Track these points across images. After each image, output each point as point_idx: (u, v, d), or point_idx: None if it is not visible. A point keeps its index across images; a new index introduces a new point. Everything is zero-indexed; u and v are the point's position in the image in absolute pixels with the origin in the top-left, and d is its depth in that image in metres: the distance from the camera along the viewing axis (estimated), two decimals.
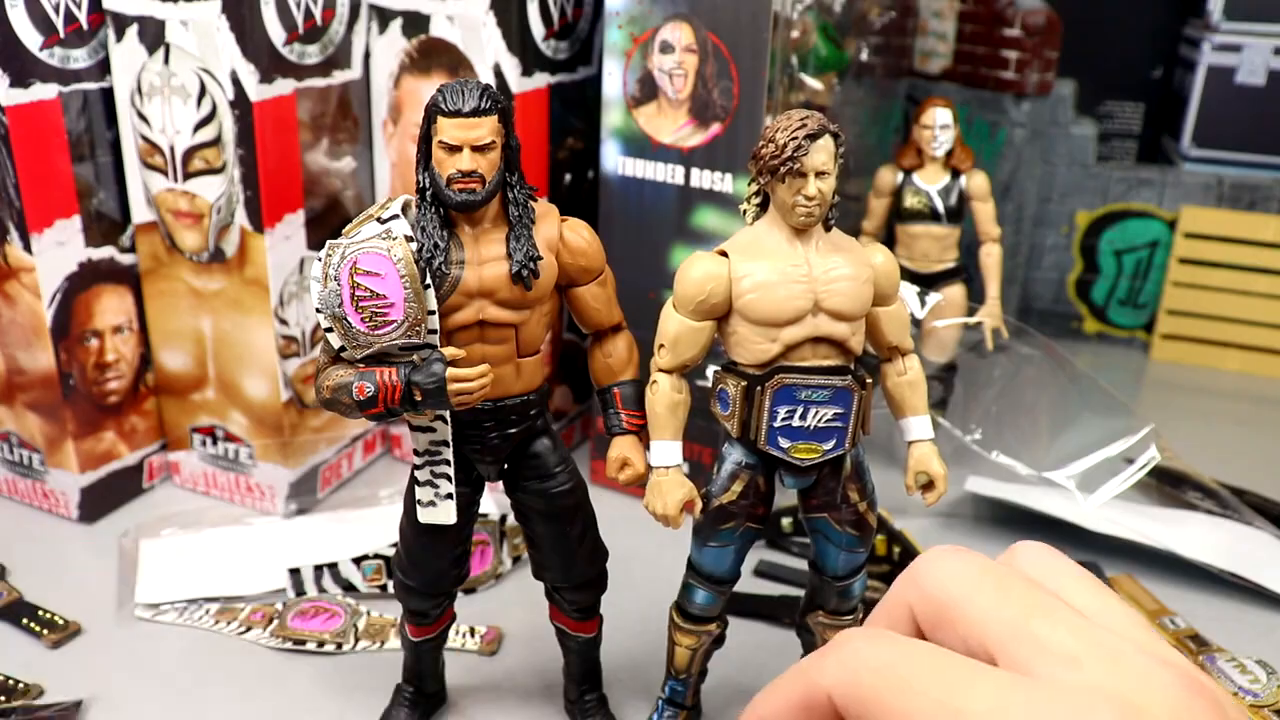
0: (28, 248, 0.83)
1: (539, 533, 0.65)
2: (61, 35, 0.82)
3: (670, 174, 0.88)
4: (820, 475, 0.62)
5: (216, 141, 0.84)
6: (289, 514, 0.95)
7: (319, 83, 0.89)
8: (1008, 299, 1.23)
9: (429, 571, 0.65)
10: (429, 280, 0.58)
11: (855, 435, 0.61)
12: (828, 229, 0.60)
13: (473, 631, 0.79)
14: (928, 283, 1.04)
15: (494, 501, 0.88)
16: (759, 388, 0.59)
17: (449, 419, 0.60)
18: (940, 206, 1.02)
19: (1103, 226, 1.37)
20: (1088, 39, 1.34)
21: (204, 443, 0.97)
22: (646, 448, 0.63)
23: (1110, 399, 1.01)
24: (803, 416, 0.59)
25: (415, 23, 0.89)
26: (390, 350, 0.57)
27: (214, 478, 0.98)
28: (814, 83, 0.90)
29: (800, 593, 0.71)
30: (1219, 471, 1.01)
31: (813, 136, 0.57)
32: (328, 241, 0.58)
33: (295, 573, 0.83)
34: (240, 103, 0.82)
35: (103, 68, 0.86)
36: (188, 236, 0.88)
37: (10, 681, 0.72)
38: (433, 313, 0.58)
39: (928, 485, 0.64)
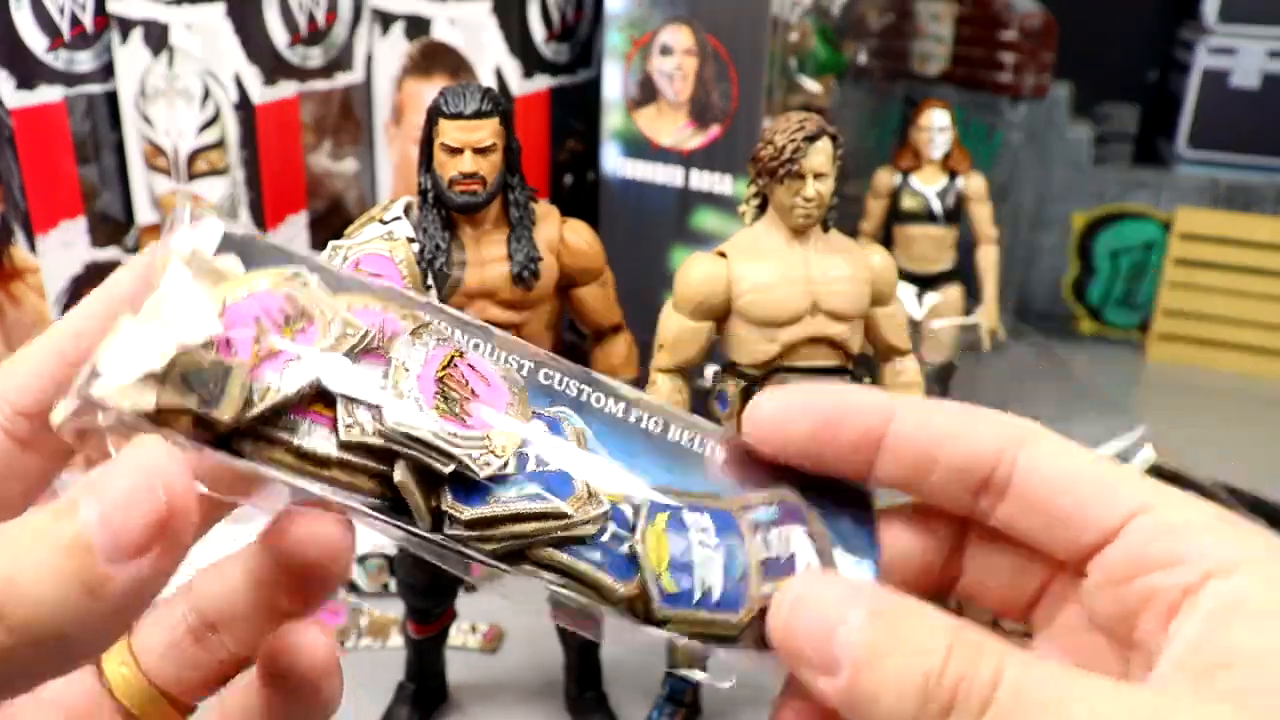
0: (33, 249, 0.84)
1: None
2: (66, 38, 0.83)
3: (670, 176, 0.89)
4: None
5: (220, 144, 0.85)
6: None
7: (322, 85, 0.90)
8: (1004, 300, 1.24)
9: (431, 570, 0.66)
10: (430, 281, 0.59)
11: None
12: (826, 230, 0.61)
13: (474, 629, 0.80)
14: (925, 284, 1.04)
15: None
16: (758, 388, 0.60)
17: None
18: (938, 208, 1.03)
19: (1099, 228, 1.38)
20: (1084, 42, 1.34)
21: None
22: None
23: (1106, 398, 1.01)
24: None
25: (417, 26, 0.90)
26: None
27: None
28: (812, 85, 0.91)
29: None
30: (1214, 471, 1.02)
31: (811, 139, 0.57)
32: (330, 243, 0.58)
33: None
34: (244, 105, 0.83)
35: (107, 71, 0.86)
36: None
37: None
38: None
39: None
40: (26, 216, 0.83)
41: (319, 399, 0.26)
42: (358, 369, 0.26)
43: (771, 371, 0.60)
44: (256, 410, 0.25)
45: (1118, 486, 0.28)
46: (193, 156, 0.86)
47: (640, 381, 0.66)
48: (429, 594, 0.67)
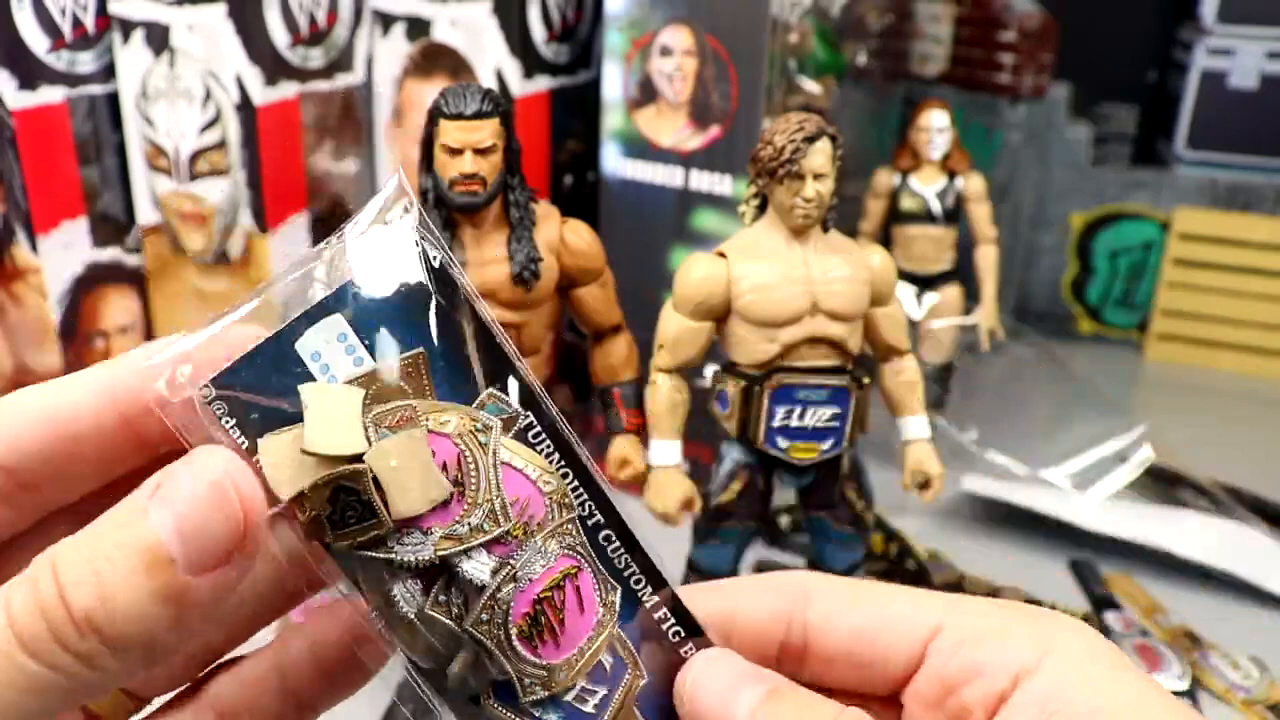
0: (35, 249, 0.84)
1: None
2: (68, 39, 0.83)
3: (670, 176, 0.89)
4: (818, 474, 0.63)
5: (221, 144, 0.85)
6: None
7: (322, 86, 0.90)
8: (1004, 300, 1.24)
9: None
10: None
11: (853, 435, 0.62)
12: (826, 230, 0.61)
13: None
14: (925, 284, 1.04)
15: None
16: (758, 388, 0.60)
17: None
18: (937, 208, 1.03)
19: (1098, 228, 1.38)
20: (1083, 42, 1.35)
21: None
22: (646, 447, 0.64)
23: (1106, 398, 1.01)
24: (801, 416, 0.60)
25: (418, 27, 0.90)
26: None
27: None
28: (812, 86, 0.91)
29: None
30: (1213, 470, 1.02)
31: (811, 139, 0.58)
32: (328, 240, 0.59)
33: None
34: (245, 106, 0.83)
35: (109, 71, 0.87)
36: (193, 238, 0.89)
37: None
38: None
39: (924, 484, 0.65)
40: (28, 217, 0.83)
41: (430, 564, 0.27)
42: (474, 558, 0.27)
43: (771, 371, 0.60)
44: (363, 552, 0.26)
45: (907, 615, 0.28)
46: (194, 157, 0.86)
47: (640, 381, 0.66)
48: None
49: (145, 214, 0.91)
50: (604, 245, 0.66)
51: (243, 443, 0.25)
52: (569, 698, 0.28)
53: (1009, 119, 1.27)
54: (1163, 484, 1.00)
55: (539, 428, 0.28)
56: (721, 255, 0.61)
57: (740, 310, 0.60)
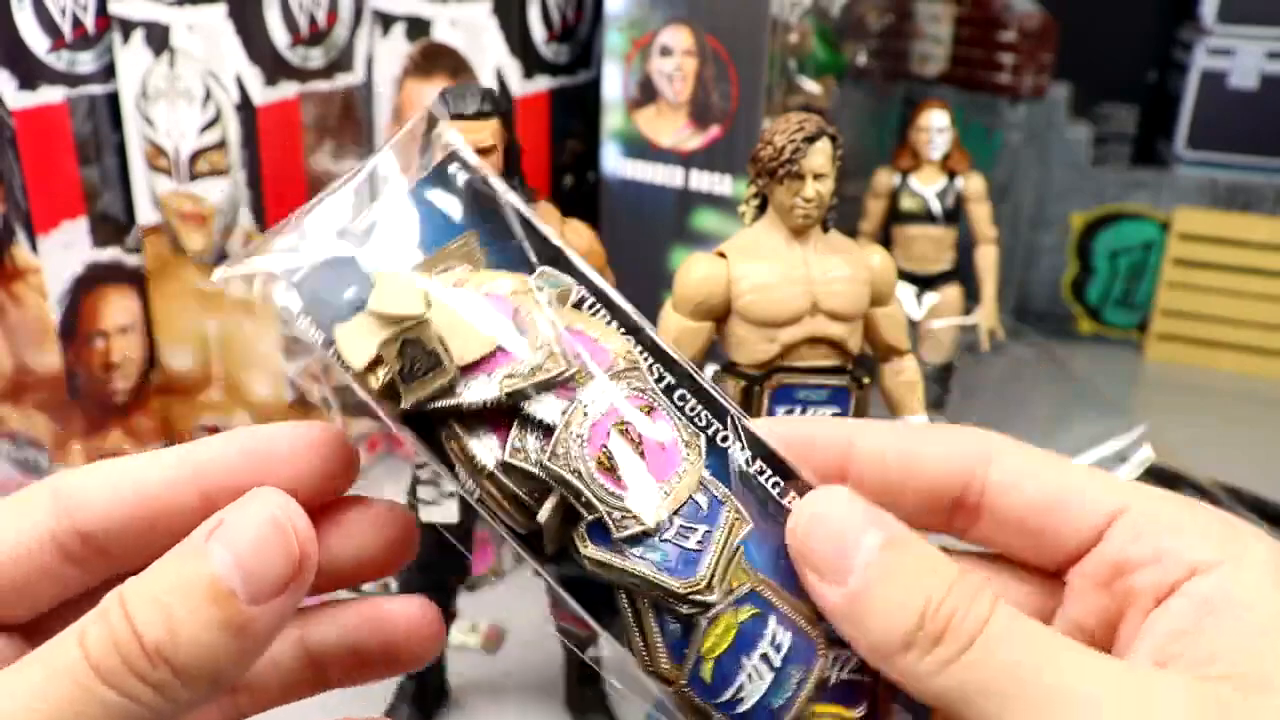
0: (35, 249, 0.84)
1: None
2: (68, 39, 0.83)
3: (670, 176, 0.89)
4: None
5: (221, 144, 0.85)
6: None
7: (323, 86, 0.90)
8: (1004, 300, 1.24)
9: (431, 570, 0.66)
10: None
11: None
12: (826, 230, 0.61)
13: (475, 628, 0.80)
14: (925, 284, 1.04)
15: None
16: (758, 388, 0.60)
17: None
18: (937, 208, 1.03)
19: (1098, 228, 1.38)
20: (1083, 42, 1.35)
21: None
22: None
23: (1106, 398, 1.01)
24: (801, 416, 0.60)
25: (418, 27, 0.90)
26: None
27: None
28: (812, 86, 0.91)
29: None
30: (1213, 470, 1.02)
31: (811, 139, 0.58)
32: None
33: None
34: (245, 106, 0.83)
35: (109, 71, 0.87)
36: (193, 238, 0.89)
37: None
38: None
39: None
40: (28, 217, 0.83)
41: (500, 410, 0.27)
42: (542, 400, 0.27)
43: (771, 371, 0.60)
44: (435, 404, 0.27)
45: (1094, 492, 0.28)
46: (194, 157, 0.86)
47: None
48: (430, 594, 0.68)
49: (145, 214, 0.91)
50: (604, 245, 0.66)
51: (318, 337, 0.28)
52: (668, 535, 0.28)
53: (1009, 119, 1.27)
54: (1163, 484, 1.00)
55: (593, 299, 0.29)
56: (721, 255, 0.61)
57: (740, 310, 0.60)
